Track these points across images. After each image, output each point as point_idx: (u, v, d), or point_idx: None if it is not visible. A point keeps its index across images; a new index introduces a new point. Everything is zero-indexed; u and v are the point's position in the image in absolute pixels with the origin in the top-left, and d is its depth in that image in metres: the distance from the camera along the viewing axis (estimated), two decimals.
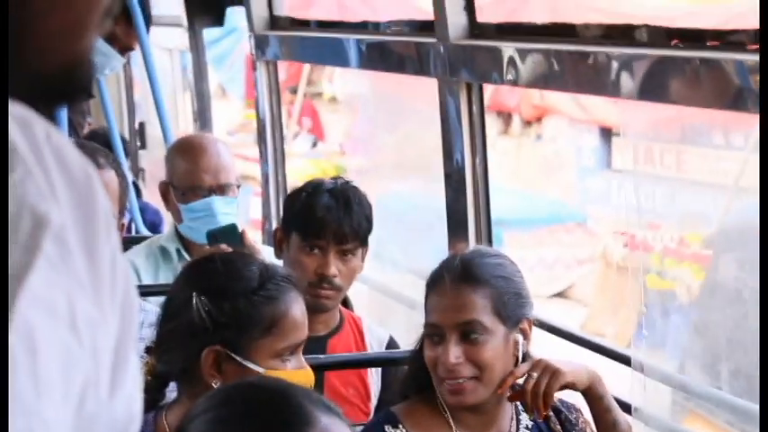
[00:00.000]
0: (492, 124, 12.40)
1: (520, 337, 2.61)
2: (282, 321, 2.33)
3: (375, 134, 12.02)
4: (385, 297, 5.19)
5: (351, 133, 15.10)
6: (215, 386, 2.30)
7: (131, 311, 1.00)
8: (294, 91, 14.64)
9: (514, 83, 3.28)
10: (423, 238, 7.33)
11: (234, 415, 1.59)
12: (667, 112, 8.41)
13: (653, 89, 2.78)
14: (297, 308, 2.36)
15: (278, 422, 1.56)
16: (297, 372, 2.34)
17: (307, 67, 13.17)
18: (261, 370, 2.31)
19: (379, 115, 11.58)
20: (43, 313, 0.90)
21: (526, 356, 2.63)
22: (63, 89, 0.95)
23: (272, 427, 1.56)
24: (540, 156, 13.54)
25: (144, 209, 5.68)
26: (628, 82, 2.83)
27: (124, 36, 4.56)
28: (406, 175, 10.60)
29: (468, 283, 2.58)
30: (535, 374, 2.59)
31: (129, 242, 4.22)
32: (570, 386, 2.65)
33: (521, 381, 2.62)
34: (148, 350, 2.47)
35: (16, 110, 0.93)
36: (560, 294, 11.53)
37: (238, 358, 2.32)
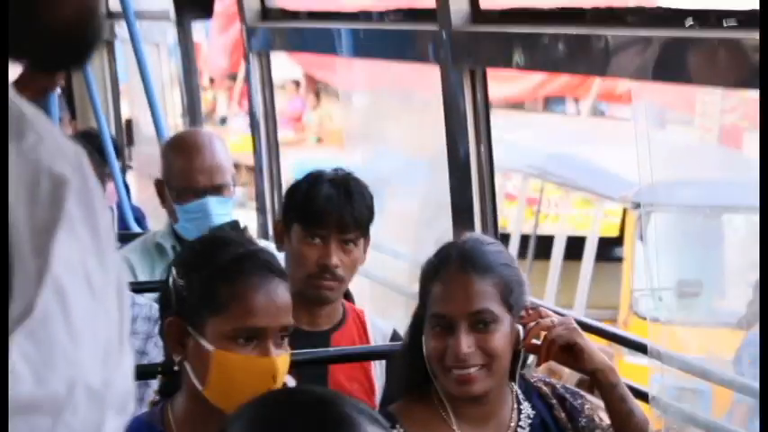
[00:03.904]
0: None
1: (520, 327, 2.56)
2: (236, 303, 2.25)
3: (303, 112, 16.61)
4: None
5: (283, 112, 17.88)
6: (176, 360, 2.30)
7: (124, 290, 1.02)
8: (234, 78, 16.65)
9: (521, 67, 3.24)
10: None
11: (276, 418, 1.50)
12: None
13: (665, 69, 2.75)
14: (260, 293, 2.26)
15: (320, 427, 1.47)
16: (253, 358, 2.26)
17: None
18: (210, 348, 2.25)
19: (309, 96, 16.45)
20: (68, 270, 0.92)
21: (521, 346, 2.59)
22: (73, 44, 0.94)
23: (313, 430, 1.47)
24: None
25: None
26: (639, 62, 2.80)
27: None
28: (325, 146, 14.64)
29: (476, 271, 2.52)
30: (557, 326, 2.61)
31: (121, 239, 4.17)
32: (582, 362, 2.61)
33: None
34: None
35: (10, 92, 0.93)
36: None
37: (192, 332, 2.27)
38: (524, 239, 9.43)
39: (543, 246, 9.20)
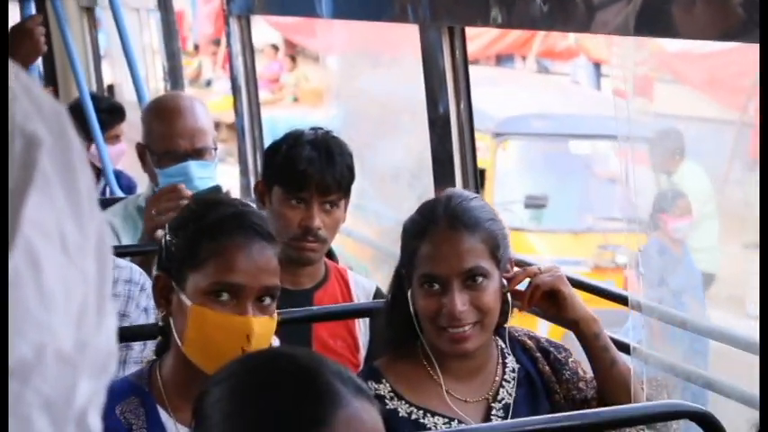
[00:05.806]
0: None
1: (505, 281, 2.58)
2: (215, 259, 2.27)
3: (281, 74, 18.01)
4: None
5: (262, 74, 19.23)
6: (161, 314, 2.35)
7: (106, 250, 0.99)
8: (217, 42, 17.39)
9: (500, 25, 3.22)
10: None
11: (257, 384, 1.48)
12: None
13: (648, 24, 2.73)
14: (241, 251, 2.28)
15: (303, 398, 1.44)
16: (228, 315, 2.27)
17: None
18: (188, 302, 2.28)
19: (285, 60, 17.98)
20: (40, 232, 0.90)
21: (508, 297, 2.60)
22: None
23: (296, 402, 1.44)
24: None
25: (117, 176, 5.61)
26: (620, 18, 2.77)
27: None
28: (301, 105, 16.16)
29: (466, 228, 2.52)
30: (543, 273, 2.65)
31: (104, 204, 4.17)
32: (564, 310, 2.63)
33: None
34: None
35: None
36: None
37: (175, 287, 2.31)
38: None
39: None
